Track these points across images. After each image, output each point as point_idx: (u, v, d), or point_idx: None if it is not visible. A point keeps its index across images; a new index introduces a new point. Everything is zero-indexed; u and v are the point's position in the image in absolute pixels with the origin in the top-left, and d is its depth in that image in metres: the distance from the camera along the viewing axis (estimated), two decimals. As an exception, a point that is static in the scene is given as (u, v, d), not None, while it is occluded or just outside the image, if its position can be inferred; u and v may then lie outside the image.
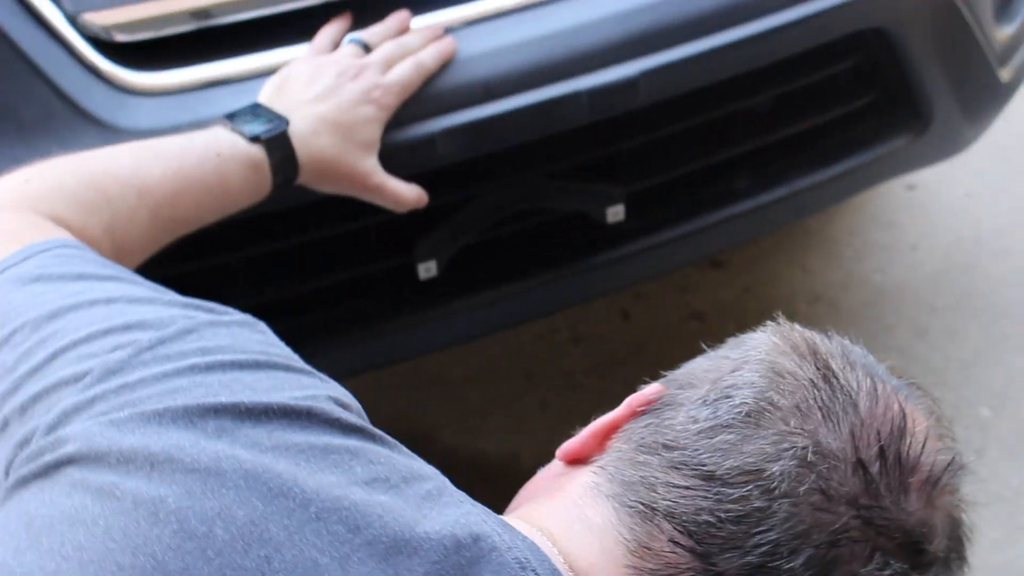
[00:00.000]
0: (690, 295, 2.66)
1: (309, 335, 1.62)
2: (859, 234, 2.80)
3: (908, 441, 0.85)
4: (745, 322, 2.70)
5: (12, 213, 1.10)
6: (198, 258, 1.53)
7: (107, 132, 1.39)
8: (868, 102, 1.91)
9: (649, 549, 0.83)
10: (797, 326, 0.93)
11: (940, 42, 1.83)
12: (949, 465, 0.87)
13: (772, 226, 2.12)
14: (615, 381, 2.41)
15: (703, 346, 1.01)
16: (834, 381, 0.87)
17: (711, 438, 0.85)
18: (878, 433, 0.84)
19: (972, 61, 1.90)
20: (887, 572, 0.81)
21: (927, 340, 2.49)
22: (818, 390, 0.86)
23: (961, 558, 0.90)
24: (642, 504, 0.84)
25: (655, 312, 2.62)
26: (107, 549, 0.79)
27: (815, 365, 0.88)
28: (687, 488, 0.84)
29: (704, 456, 0.84)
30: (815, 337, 0.92)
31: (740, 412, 0.85)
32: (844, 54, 1.82)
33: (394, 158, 1.44)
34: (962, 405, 2.33)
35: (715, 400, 0.87)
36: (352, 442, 0.88)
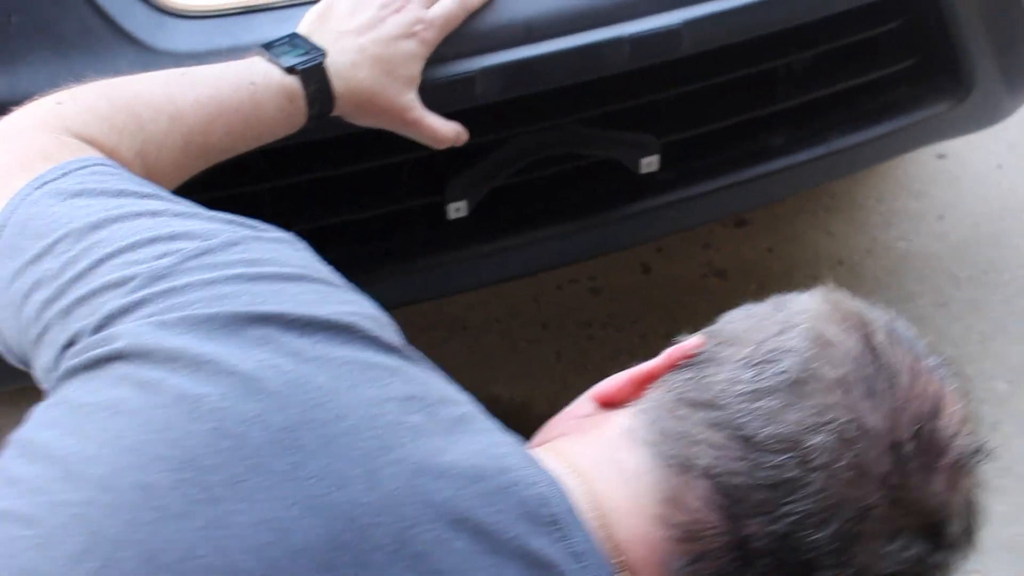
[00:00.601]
0: (712, 252, 2.65)
1: (336, 269, 1.61)
2: (886, 201, 2.78)
3: (941, 423, 0.85)
4: (767, 282, 2.71)
5: (46, 133, 1.09)
6: (224, 186, 1.52)
7: (144, 53, 1.37)
8: (909, 66, 1.88)
9: (680, 503, 0.83)
10: (846, 293, 0.92)
11: (988, 8, 1.81)
12: (977, 450, 0.88)
13: (804, 186, 2.10)
14: (632, 334, 2.40)
15: (732, 303, 1.00)
16: (879, 357, 0.86)
17: (753, 402, 0.84)
18: (915, 414, 0.84)
19: (1018, 29, 1.87)
20: (909, 553, 0.82)
21: (949, 310, 2.48)
22: (863, 365, 0.85)
23: (971, 542, 0.90)
24: (681, 457, 0.84)
25: (676, 267, 2.61)
26: (145, 439, 0.81)
27: (862, 338, 0.87)
28: (725, 448, 0.83)
29: (745, 419, 0.83)
30: (862, 308, 0.91)
31: (785, 379, 0.84)
32: (890, 14, 1.79)
33: (432, 95, 1.42)
34: (979, 378, 2.31)
35: (759, 363, 0.86)
36: (391, 360, 0.89)
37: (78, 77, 1.19)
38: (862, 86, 1.87)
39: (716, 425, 0.84)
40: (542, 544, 0.81)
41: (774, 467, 0.81)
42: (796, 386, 0.84)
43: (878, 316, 0.92)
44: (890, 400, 0.84)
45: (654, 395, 0.91)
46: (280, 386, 0.83)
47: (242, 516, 0.78)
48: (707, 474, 0.82)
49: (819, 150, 1.84)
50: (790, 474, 0.80)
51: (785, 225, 2.72)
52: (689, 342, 0.93)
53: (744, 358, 0.88)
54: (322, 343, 0.87)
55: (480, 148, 1.61)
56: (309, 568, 0.78)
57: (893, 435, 0.83)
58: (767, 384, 0.85)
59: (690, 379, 0.90)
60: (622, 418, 0.91)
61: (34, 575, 0.77)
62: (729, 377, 0.87)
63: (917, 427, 0.83)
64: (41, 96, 1.16)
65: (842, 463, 0.81)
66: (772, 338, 0.88)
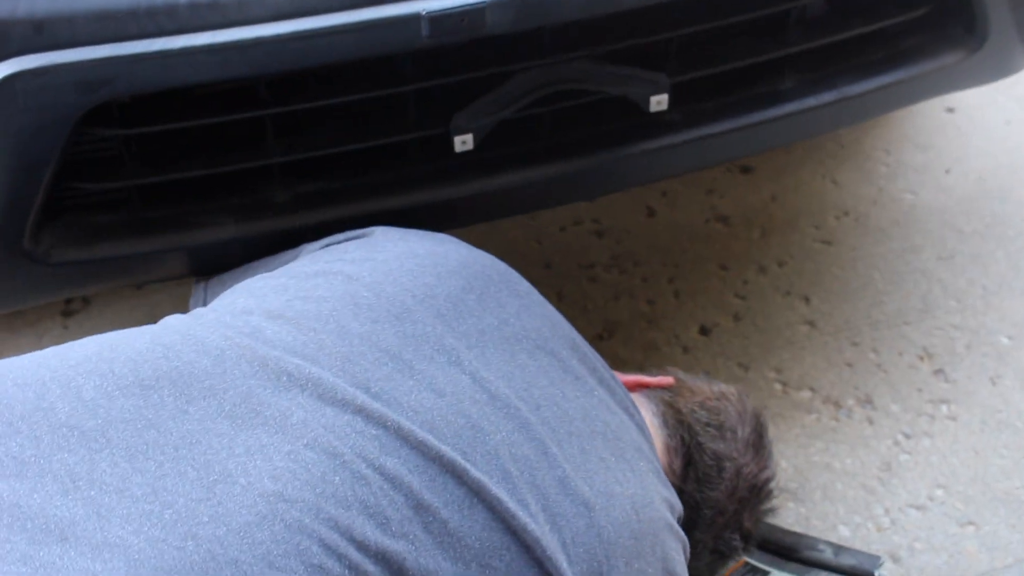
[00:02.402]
0: (716, 197, 2.64)
1: (340, 199, 1.61)
2: (894, 153, 2.77)
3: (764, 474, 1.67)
4: (770, 230, 2.70)
5: None
6: (227, 112, 1.51)
7: None
8: (923, 14, 1.87)
9: (669, 459, 1.55)
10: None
11: (1004, -42, 1.79)
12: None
13: (812, 132, 2.09)
14: (634, 277, 2.40)
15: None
16: (764, 437, 1.68)
17: (711, 434, 1.59)
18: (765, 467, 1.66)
19: (1034, -19, 1.86)
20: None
21: (952, 264, 2.47)
22: (755, 430, 1.67)
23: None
24: (681, 444, 1.56)
25: (680, 211, 2.61)
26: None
27: (755, 418, 1.68)
28: (696, 454, 1.58)
29: (705, 438, 1.57)
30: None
31: (732, 421, 1.63)
32: (905, -39, 1.78)
33: (442, 25, 1.41)
34: (981, 332, 2.31)
35: (715, 409, 1.63)
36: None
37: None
38: (874, 33, 1.85)
39: (690, 430, 1.58)
40: None
41: (712, 464, 1.57)
42: (730, 432, 1.60)
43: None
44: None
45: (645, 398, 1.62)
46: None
47: None
48: (687, 455, 1.57)
49: (828, 96, 1.83)
50: (722, 468, 1.58)
51: (791, 173, 2.71)
52: (667, 379, 1.65)
53: (706, 401, 1.62)
54: None
55: (488, 81, 1.60)
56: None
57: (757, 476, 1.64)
58: (716, 415, 1.60)
59: (678, 407, 1.60)
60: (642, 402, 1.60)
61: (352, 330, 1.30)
62: (697, 406, 1.61)
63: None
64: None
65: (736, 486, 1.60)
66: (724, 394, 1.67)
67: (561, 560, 1.22)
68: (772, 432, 2.08)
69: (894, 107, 2.10)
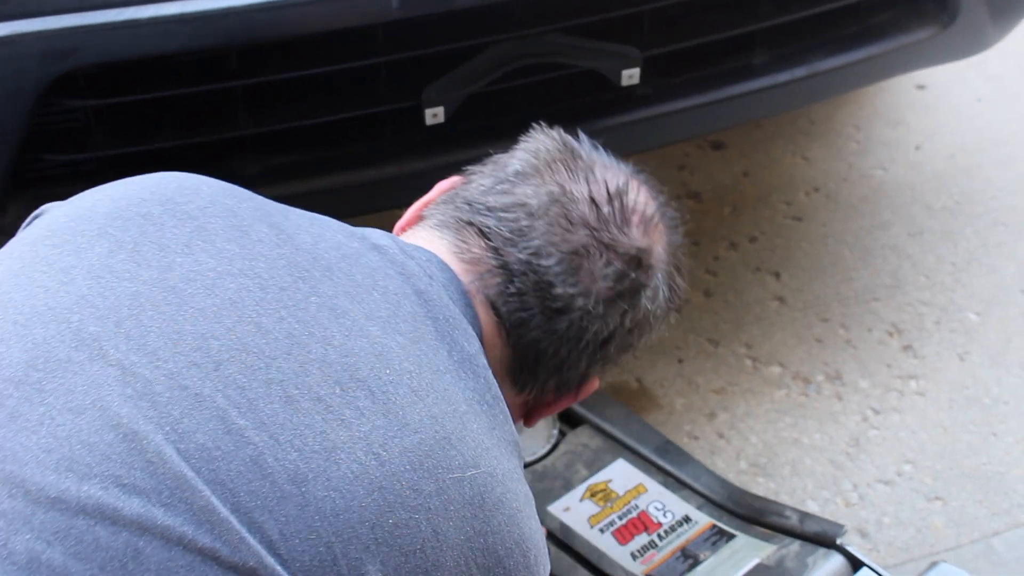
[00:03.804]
0: (687, 173, 2.64)
1: (312, 171, 1.60)
2: (864, 129, 2.77)
3: (630, 195, 1.20)
4: (741, 206, 2.70)
5: None
6: (197, 83, 1.50)
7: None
8: (896, -11, 1.88)
9: (464, 244, 1.18)
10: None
11: (975, -66, 1.80)
12: (658, 209, 1.23)
13: (784, 107, 2.10)
14: (605, 253, 2.39)
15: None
16: (578, 156, 1.23)
17: (493, 191, 1.21)
18: (607, 185, 1.20)
19: (1005, -43, 1.87)
20: (611, 269, 1.17)
21: (922, 240, 2.48)
22: (565, 159, 1.22)
23: (680, 279, 1.29)
24: (459, 221, 1.20)
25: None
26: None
27: (564, 145, 1.25)
28: (481, 215, 1.20)
29: (490, 199, 1.20)
30: (574, 139, 1.27)
31: (511, 173, 1.22)
32: (878, -64, 1.78)
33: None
34: (950, 308, 2.32)
35: (495, 172, 1.24)
36: None
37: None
38: (846, 8, 1.85)
39: (469, 206, 1.21)
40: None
41: (512, 220, 1.17)
42: (519, 176, 1.21)
43: (589, 145, 1.27)
44: (586, 177, 1.20)
45: (430, 211, 1.25)
46: None
47: None
48: (471, 224, 1.19)
49: (800, 71, 1.83)
50: (523, 223, 1.17)
51: (762, 149, 2.71)
52: (451, 178, 1.29)
53: (487, 173, 1.24)
54: None
55: (458, 54, 1.59)
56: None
57: (591, 196, 1.18)
58: (500, 179, 1.22)
59: (453, 195, 1.24)
60: (419, 226, 1.25)
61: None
62: (478, 185, 1.23)
63: (608, 193, 1.19)
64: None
65: (553, 212, 1.17)
66: (503, 159, 1.26)
67: (272, 565, 0.93)
68: (742, 408, 2.10)
69: (865, 83, 2.11)
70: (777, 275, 2.38)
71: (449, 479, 1.01)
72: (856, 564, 1.56)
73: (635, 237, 1.19)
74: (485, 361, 1.12)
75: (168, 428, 0.94)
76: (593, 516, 1.65)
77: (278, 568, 0.93)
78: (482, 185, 1.22)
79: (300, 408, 0.98)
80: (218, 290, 1.03)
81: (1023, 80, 2.97)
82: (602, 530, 1.63)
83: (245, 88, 1.56)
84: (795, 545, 1.59)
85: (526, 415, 1.29)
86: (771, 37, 1.82)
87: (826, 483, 1.99)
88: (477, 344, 1.13)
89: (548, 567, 1.15)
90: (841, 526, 1.57)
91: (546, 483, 1.71)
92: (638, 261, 1.19)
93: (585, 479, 1.71)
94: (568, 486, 1.70)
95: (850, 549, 1.57)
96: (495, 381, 1.12)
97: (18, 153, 1.43)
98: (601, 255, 1.17)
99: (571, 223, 1.17)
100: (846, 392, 2.15)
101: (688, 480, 1.72)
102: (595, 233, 1.17)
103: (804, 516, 1.62)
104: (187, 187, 1.13)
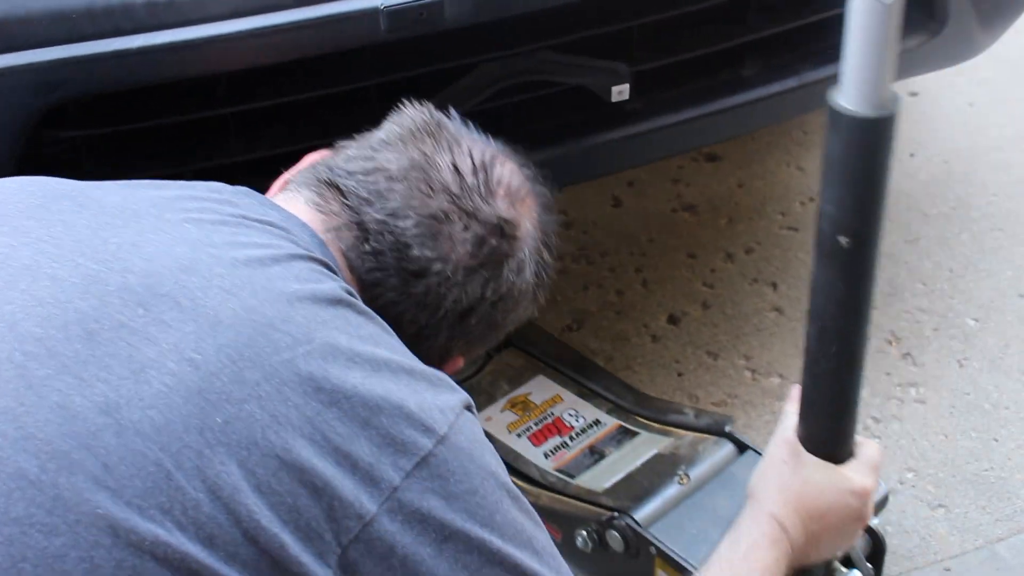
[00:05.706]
0: (682, 186, 2.64)
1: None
2: (858, 137, 2.77)
3: (496, 168, 1.22)
4: (736, 217, 2.70)
5: None
6: (186, 112, 1.51)
7: None
8: (883, -2, 1.87)
9: (321, 199, 1.20)
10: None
11: (962, -59, 1.80)
12: (528, 185, 1.26)
13: (776, 119, 2.10)
14: (602, 267, 2.39)
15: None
16: (444, 128, 1.25)
17: (357, 158, 1.23)
18: (472, 157, 1.21)
19: (992, -37, 1.87)
20: (470, 234, 1.17)
21: (918, 247, 2.48)
22: (430, 130, 1.24)
23: (549, 256, 1.32)
24: (319, 181, 1.22)
25: (646, 201, 2.61)
26: None
27: (431, 117, 1.26)
28: (342, 178, 1.21)
29: (351, 165, 1.22)
30: (444, 115, 1.28)
31: (375, 141, 1.24)
32: (864, -54, 1.78)
33: (401, 19, 1.41)
34: (948, 314, 2.32)
35: (360, 142, 1.26)
36: None
37: None
38: (835, 18, 1.85)
39: (330, 170, 1.23)
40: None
41: (372, 183, 1.19)
42: (382, 144, 1.23)
43: (458, 121, 1.28)
44: (450, 147, 1.22)
45: (294, 179, 1.26)
46: None
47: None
48: (332, 186, 1.21)
49: (790, 82, 1.83)
50: (382, 186, 1.18)
51: (756, 160, 2.72)
52: (319, 151, 1.30)
53: (353, 145, 1.26)
54: None
55: (448, 75, 1.59)
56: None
57: (454, 164, 1.20)
58: (364, 148, 1.23)
59: (318, 164, 1.26)
60: (284, 192, 1.25)
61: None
62: (343, 156, 1.25)
63: (474, 164, 1.20)
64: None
65: (413, 177, 1.18)
66: (372, 134, 1.27)
67: (99, 500, 0.91)
68: (742, 419, 2.10)
69: (857, 92, 2.10)
70: (774, 286, 2.38)
71: (277, 361, 0.99)
72: (742, 448, 1.73)
73: (499, 208, 1.20)
74: (334, 267, 1.15)
75: None
76: (511, 423, 1.84)
77: (106, 501, 0.91)
78: (347, 154, 1.24)
79: (102, 340, 0.97)
80: (12, 261, 1.02)
81: (1014, 84, 2.97)
82: (519, 435, 1.82)
83: (234, 114, 1.56)
84: (689, 437, 1.77)
85: None
86: (761, 49, 1.82)
87: (828, 493, 1.98)
88: (325, 252, 1.16)
89: (449, 424, 1.05)
90: (728, 417, 1.76)
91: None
92: (500, 230, 1.20)
93: (507, 393, 1.90)
94: (491, 400, 1.88)
95: (736, 435, 1.74)
96: (348, 287, 1.13)
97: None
98: (461, 220, 1.18)
99: (432, 189, 1.19)
100: (846, 401, 2.14)
101: (600, 390, 1.89)
102: (456, 200, 1.18)
103: (699, 412, 1.80)
104: (6, 187, 1.14)
